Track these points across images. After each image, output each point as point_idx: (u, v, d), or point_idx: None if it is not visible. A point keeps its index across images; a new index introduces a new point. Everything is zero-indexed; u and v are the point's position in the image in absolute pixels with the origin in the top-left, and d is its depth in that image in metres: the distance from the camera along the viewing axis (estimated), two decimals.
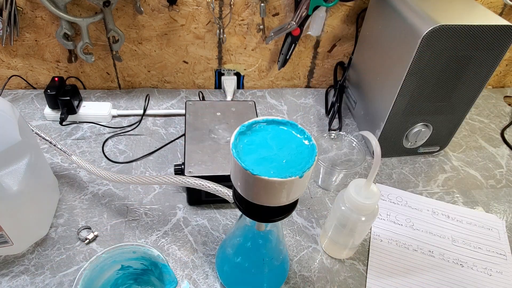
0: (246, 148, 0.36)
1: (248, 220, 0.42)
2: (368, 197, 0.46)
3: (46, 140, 0.57)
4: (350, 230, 0.50)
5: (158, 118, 0.77)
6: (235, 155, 0.34)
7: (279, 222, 0.41)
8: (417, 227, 0.61)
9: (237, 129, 0.37)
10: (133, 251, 0.42)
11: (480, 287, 0.54)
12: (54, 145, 0.57)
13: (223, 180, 0.56)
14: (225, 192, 0.48)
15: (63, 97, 0.70)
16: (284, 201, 0.36)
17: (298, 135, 0.37)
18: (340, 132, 0.68)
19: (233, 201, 0.41)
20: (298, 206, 0.62)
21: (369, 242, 0.58)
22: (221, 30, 0.76)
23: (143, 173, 0.65)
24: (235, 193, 0.39)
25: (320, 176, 0.65)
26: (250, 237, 0.46)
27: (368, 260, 0.56)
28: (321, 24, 0.77)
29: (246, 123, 0.37)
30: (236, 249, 0.47)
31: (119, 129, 0.73)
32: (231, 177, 0.37)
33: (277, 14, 0.76)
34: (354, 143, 0.66)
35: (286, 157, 0.35)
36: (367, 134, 0.45)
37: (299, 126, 0.37)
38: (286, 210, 0.39)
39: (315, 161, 0.35)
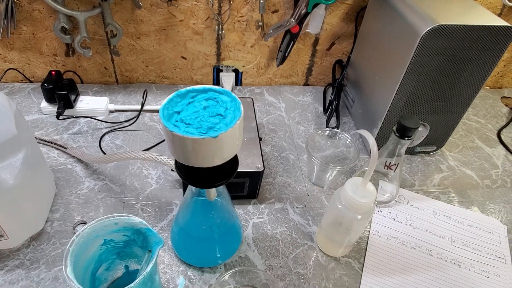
0: (176, 111, 0.37)
1: (193, 189, 0.44)
2: (364, 195, 0.47)
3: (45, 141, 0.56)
4: (346, 228, 0.50)
5: (156, 113, 0.77)
6: (160, 115, 0.36)
7: (225, 190, 0.44)
8: (417, 225, 0.61)
9: (171, 94, 0.38)
10: (115, 222, 0.42)
11: None
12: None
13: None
14: (167, 161, 0.50)
15: (60, 91, 0.69)
16: (214, 161, 0.37)
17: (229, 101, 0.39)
18: (335, 130, 0.69)
19: (175, 170, 0.43)
20: (294, 203, 0.62)
21: (367, 239, 0.58)
22: (220, 26, 0.75)
23: (140, 169, 0.65)
24: (176, 162, 0.41)
25: (314, 173, 0.65)
26: (196, 207, 0.48)
27: (365, 255, 0.56)
28: (320, 22, 0.76)
29: (182, 90, 0.38)
30: (184, 220, 0.49)
31: (116, 124, 0.73)
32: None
33: (276, 11, 0.75)
34: (348, 141, 0.67)
35: (212, 120, 0.37)
36: (364, 132, 0.45)
37: (232, 94, 0.38)
38: (223, 175, 0.41)
39: (236, 124, 0.35)
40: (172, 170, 0.57)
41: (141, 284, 0.38)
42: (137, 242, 0.44)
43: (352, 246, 0.56)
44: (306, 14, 0.72)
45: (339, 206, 0.49)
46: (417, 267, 0.55)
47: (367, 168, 0.64)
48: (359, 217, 0.48)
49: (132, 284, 0.37)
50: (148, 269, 0.38)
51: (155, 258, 0.39)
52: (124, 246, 0.46)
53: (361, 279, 0.53)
